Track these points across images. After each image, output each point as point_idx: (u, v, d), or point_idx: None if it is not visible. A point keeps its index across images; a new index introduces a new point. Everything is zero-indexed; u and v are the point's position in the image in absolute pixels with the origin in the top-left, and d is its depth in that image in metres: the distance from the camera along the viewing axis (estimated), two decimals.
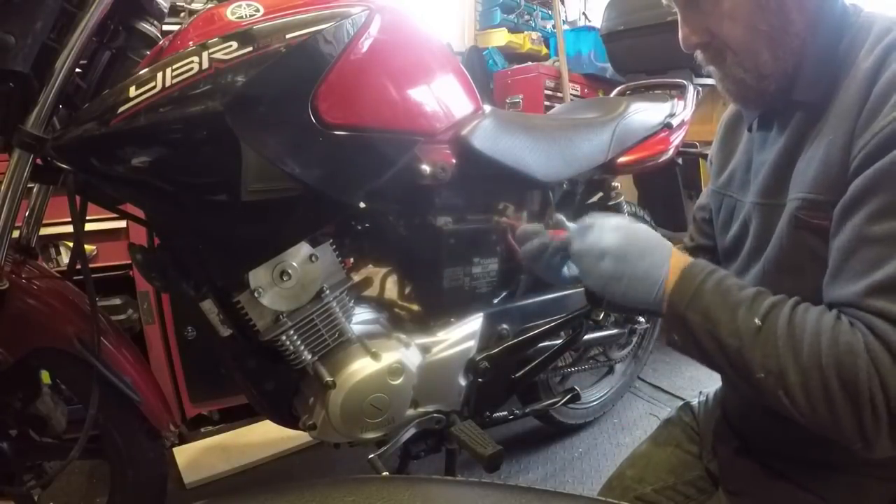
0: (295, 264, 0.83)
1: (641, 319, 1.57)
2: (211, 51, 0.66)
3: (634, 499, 0.78)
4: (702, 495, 0.78)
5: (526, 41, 2.70)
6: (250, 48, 0.67)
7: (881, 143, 0.48)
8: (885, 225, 0.48)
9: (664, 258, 0.57)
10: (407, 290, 1.05)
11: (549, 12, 2.85)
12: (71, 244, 1.29)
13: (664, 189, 1.53)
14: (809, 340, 0.48)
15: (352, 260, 1.03)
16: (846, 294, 0.50)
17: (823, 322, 0.49)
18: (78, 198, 0.81)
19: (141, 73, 0.66)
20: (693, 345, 0.55)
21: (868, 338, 0.46)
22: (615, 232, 0.59)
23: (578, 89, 2.47)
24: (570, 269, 0.75)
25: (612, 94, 1.61)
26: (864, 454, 0.49)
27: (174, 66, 0.65)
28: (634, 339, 1.66)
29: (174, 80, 0.65)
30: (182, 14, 1.31)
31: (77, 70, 0.72)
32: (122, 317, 1.39)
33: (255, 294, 0.80)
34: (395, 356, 0.92)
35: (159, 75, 0.65)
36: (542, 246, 0.69)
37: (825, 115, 0.55)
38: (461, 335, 1.02)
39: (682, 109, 1.38)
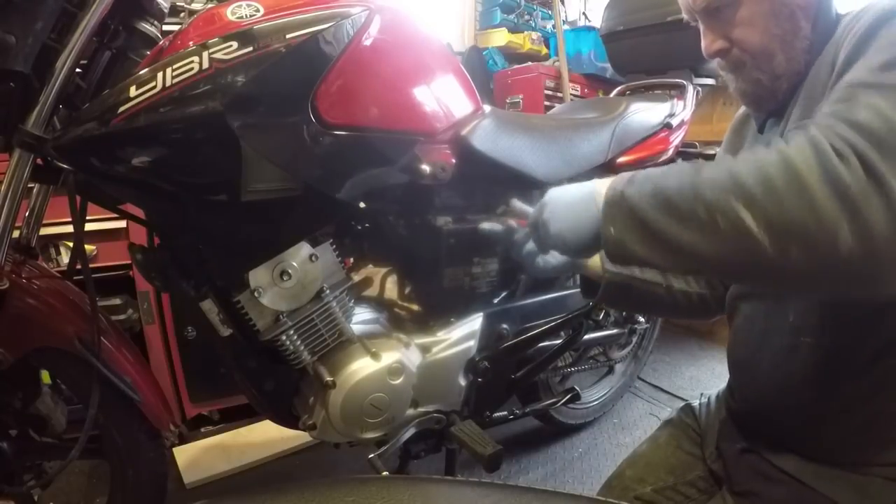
0: (295, 264, 0.83)
1: (641, 319, 1.57)
2: (211, 51, 0.66)
3: (634, 499, 0.78)
4: (702, 496, 0.78)
5: (526, 41, 2.70)
6: (250, 48, 0.67)
7: (851, 54, 0.52)
8: (872, 88, 0.46)
9: (591, 183, 0.60)
10: (407, 290, 1.05)
11: (549, 12, 2.85)
12: (71, 244, 1.29)
13: None
14: (779, 157, 0.44)
15: (352, 260, 1.03)
16: (814, 120, 0.47)
17: (791, 141, 0.45)
18: (78, 198, 0.81)
19: (141, 73, 0.66)
20: (637, 225, 0.49)
21: (842, 131, 0.43)
22: (547, 195, 0.65)
23: (578, 89, 2.47)
24: (544, 261, 0.80)
25: (612, 94, 1.61)
26: (866, 289, 0.43)
27: (174, 66, 0.65)
28: (634, 339, 1.66)
29: (174, 80, 0.65)
30: (182, 14, 1.31)
31: (77, 70, 0.72)
32: (122, 317, 1.39)
33: (255, 294, 0.80)
34: (395, 356, 0.92)
35: (159, 75, 0.65)
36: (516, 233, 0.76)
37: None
38: (461, 335, 1.02)
39: (682, 109, 1.38)
